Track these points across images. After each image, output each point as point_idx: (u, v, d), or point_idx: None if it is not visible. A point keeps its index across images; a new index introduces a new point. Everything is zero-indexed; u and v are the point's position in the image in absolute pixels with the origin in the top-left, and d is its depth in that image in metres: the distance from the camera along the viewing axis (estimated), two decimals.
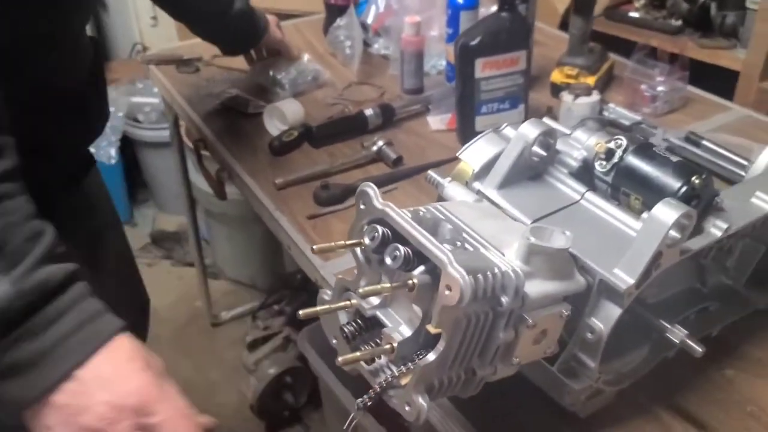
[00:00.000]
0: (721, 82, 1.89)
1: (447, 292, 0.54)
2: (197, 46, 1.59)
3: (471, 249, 0.62)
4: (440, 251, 0.56)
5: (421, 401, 0.59)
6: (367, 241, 0.61)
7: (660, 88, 1.34)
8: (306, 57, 1.52)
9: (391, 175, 1.19)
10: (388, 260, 0.59)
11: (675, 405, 0.78)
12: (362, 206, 0.63)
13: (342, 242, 0.62)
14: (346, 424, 0.62)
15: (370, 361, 0.64)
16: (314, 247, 0.61)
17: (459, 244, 0.62)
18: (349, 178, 1.18)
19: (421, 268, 0.59)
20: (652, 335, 0.78)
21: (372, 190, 0.62)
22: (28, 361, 0.57)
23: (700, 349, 0.68)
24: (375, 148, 1.23)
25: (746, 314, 0.86)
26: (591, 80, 1.36)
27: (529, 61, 1.23)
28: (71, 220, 0.84)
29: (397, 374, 0.61)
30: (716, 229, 0.71)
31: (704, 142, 1.11)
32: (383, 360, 0.64)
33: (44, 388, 0.57)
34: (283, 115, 1.31)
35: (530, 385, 0.75)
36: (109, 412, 0.58)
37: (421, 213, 0.64)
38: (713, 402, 0.78)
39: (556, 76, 1.40)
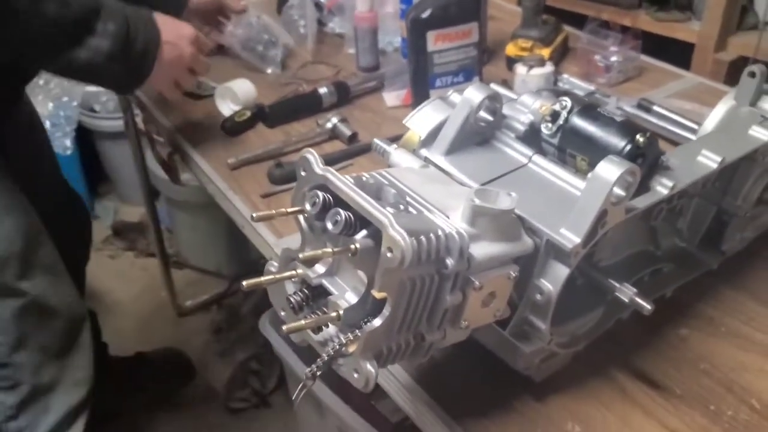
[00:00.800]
0: (677, 54, 1.91)
1: (389, 254, 0.53)
2: None
3: (414, 212, 0.61)
4: (381, 213, 0.55)
5: (369, 367, 0.58)
6: (308, 207, 0.60)
7: (614, 58, 1.34)
8: (252, 12, 1.44)
9: (347, 152, 1.17)
10: (329, 225, 0.58)
11: (630, 365, 0.78)
12: (303, 173, 0.62)
13: (283, 210, 0.61)
14: (295, 394, 0.61)
15: (318, 330, 0.63)
16: (254, 214, 0.59)
17: (402, 207, 0.61)
18: None
19: (364, 232, 0.58)
20: (606, 297, 0.78)
21: (312, 156, 0.61)
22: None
23: (648, 307, 0.68)
24: (329, 125, 1.21)
25: (699, 275, 0.87)
26: (545, 52, 1.36)
27: (481, 33, 1.23)
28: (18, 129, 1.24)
29: (344, 342, 0.60)
30: (662, 187, 0.71)
31: (655, 108, 1.13)
32: (332, 330, 0.63)
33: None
34: (235, 95, 1.28)
35: (486, 351, 0.75)
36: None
37: (364, 179, 0.63)
38: (667, 361, 0.79)
39: (511, 49, 1.40)
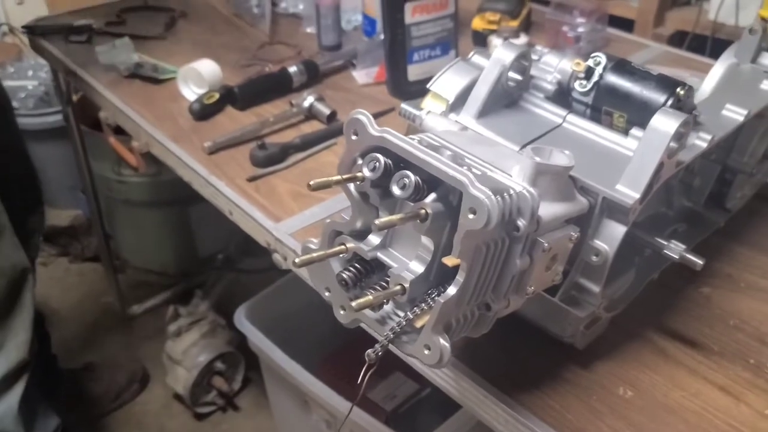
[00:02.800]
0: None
1: (471, 216, 0.49)
2: (81, 15, 1.45)
3: (479, 173, 0.57)
4: (459, 173, 0.50)
5: (443, 342, 0.54)
6: (367, 172, 0.55)
7: (581, 29, 1.34)
8: None
9: (327, 131, 1.12)
10: (396, 190, 0.53)
11: (664, 327, 0.77)
12: (354, 137, 0.56)
13: (338, 177, 0.56)
14: (360, 377, 0.56)
15: (379, 307, 0.58)
16: (311, 183, 0.53)
17: (466, 169, 0.57)
18: (283, 138, 1.10)
19: (432, 195, 0.54)
20: (635, 259, 0.76)
21: (365, 117, 0.56)
22: None
23: (700, 261, 0.67)
24: (306, 104, 1.16)
25: (710, 233, 0.87)
26: (514, 24, 1.34)
27: (456, 3, 1.20)
28: None
29: (411, 316, 0.55)
30: (701, 140, 0.69)
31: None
32: (389, 306, 0.59)
33: None
34: (200, 77, 1.20)
35: (521, 326, 0.72)
36: None
37: (416, 140, 0.58)
38: (697, 319, 0.78)
39: (478, 23, 1.38)
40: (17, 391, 1.16)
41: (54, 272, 2.18)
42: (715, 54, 0.90)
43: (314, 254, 0.57)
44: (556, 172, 0.58)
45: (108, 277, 1.94)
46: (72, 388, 1.64)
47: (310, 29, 1.45)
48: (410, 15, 1.15)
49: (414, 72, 1.20)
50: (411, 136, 0.59)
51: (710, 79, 0.90)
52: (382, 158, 0.55)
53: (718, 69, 0.90)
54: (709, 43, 1.86)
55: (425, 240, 0.56)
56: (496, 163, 0.59)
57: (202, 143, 1.06)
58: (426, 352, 0.55)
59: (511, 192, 0.53)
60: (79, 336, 1.92)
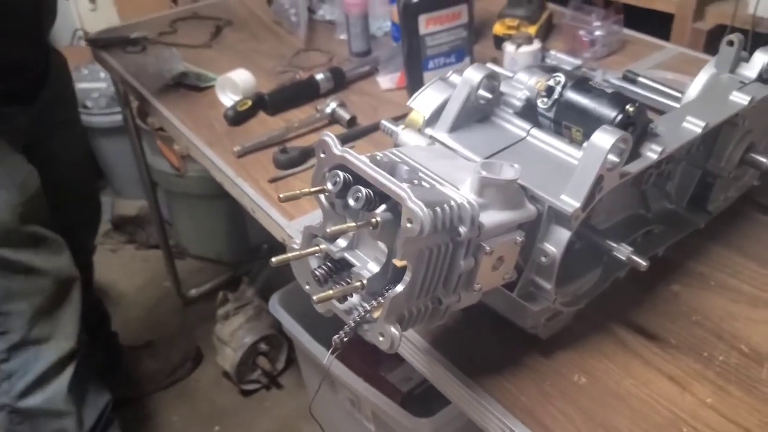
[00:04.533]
0: (657, 25, 1.96)
1: (408, 225, 0.59)
2: (141, 25, 1.59)
3: (427, 186, 0.66)
4: (399, 188, 0.60)
5: (394, 330, 0.63)
6: (329, 186, 0.65)
7: (597, 33, 1.39)
8: None
9: (347, 135, 1.22)
10: (351, 201, 0.63)
11: (628, 321, 0.84)
12: (322, 155, 0.66)
13: (306, 189, 0.66)
14: (326, 358, 0.66)
15: (343, 300, 0.68)
16: (281, 195, 0.64)
17: (416, 182, 0.66)
18: (306, 142, 1.21)
19: (383, 206, 0.63)
20: (603, 258, 0.83)
21: (330, 138, 0.66)
22: None
23: (644, 263, 0.73)
24: (329, 110, 1.26)
25: (688, 234, 0.93)
26: (532, 30, 1.41)
27: (470, 14, 1.27)
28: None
29: (369, 308, 0.65)
30: (652, 152, 0.76)
31: (640, 79, 1.18)
32: (355, 299, 0.69)
33: None
34: (235, 86, 1.33)
35: (495, 315, 0.80)
36: None
37: (378, 157, 0.68)
38: (662, 315, 0.84)
39: (498, 29, 1.45)
40: (67, 374, 1.32)
41: (121, 258, 2.37)
42: (754, 49, 0.93)
43: (289, 254, 0.68)
44: (500, 185, 0.67)
45: (167, 263, 2.11)
46: (132, 363, 1.81)
47: (343, 36, 1.55)
48: (424, 26, 1.23)
49: (430, 78, 1.27)
50: (375, 153, 0.69)
51: (693, 88, 0.95)
52: (341, 174, 0.64)
53: (700, 78, 0.95)
54: (750, 37, 1.86)
55: (380, 244, 0.66)
56: (450, 176, 0.68)
57: (233, 147, 1.18)
58: (381, 338, 0.64)
59: (452, 203, 0.62)
60: (141, 317, 2.10)
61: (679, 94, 1.12)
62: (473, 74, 0.79)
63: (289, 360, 1.87)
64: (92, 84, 2.42)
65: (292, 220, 1.02)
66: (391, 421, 1.25)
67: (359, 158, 0.64)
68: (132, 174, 2.54)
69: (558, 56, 1.34)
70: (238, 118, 1.28)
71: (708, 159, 0.93)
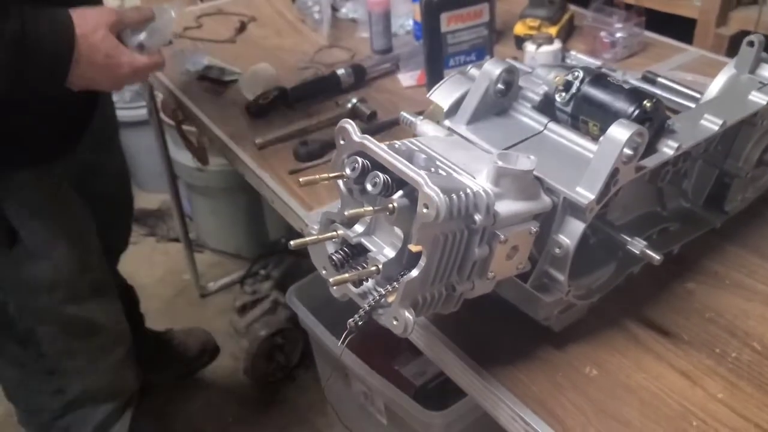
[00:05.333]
0: (679, 30, 1.96)
1: (424, 210, 0.60)
2: None
3: (444, 174, 0.67)
4: (416, 174, 0.61)
5: (407, 315, 0.64)
6: (348, 171, 0.66)
7: (618, 34, 1.40)
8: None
9: (366, 130, 1.22)
10: (369, 187, 0.64)
11: (641, 316, 0.84)
12: (342, 141, 0.68)
13: (325, 175, 0.67)
14: (340, 341, 0.68)
15: (359, 284, 0.69)
16: (301, 179, 0.66)
17: (433, 170, 0.67)
18: (326, 135, 1.23)
19: (400, 192, 0.65)
20: (618, 253, 0.84)
21: (350, 125, 0.67)
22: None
23: (657, 257, 0.74)
24: (349, 105, 1.28)
25: (704, 233, 0.93)
26: (553, 30, 1.41)
27: (492, 13, 1.28)
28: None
29: (384, 293, 0.66)
30: (668, 148, 0.77)
31: (659, 80, 1.18)
32: (370, 283, 0.70)
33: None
34: (258, 80, 1.35)
35: (509, 307, 0.81)
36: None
37: (397, 145, 0.69)
38: (676, 311, 0.85)
39: (519, 29, 1.46)
40: (125, 422, 1.33)
41: (142, 250, 2.40)
42: None
43: (308, 238, 0.69)
44: (516, 175, 0.68)
45: (187, 256, 2.14)
46: (152, 348, 1.83)
47: (365, 34, 1.56)
48: (446, 24, 1.25)
49: None
50: (393, 141, 0.70)
51: (712, 88, 0.96)
52: (360, 160, 0.66)
53: (720, 79, 0.96)
54: None
55: (396, 229, 0.67)
56: (467, 165, 0.70)
57: (255, 140, 1.20)
58: (394, 322, 0.66)
59: (468, 191, 0.63)
60: (159, 308, 2.13)
61: (698, 95, 1.12)
62: (492, 68, 0.80)
63: (304, 355, 1.88)
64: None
65: (310, 210, 1.04)
66: (404, 414, 1.26)
67: (378, 145, 0.65)
68: (154, 167, 2.57)
69: (578, 57, 1.34)
70: (260, 111, 1.30)
71: (726, 159, 0.93)
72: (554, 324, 0.81)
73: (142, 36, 1.03)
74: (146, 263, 2.33)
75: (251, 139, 1.22)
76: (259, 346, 1.77)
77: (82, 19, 0.93)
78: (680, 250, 0.91)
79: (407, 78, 1.40)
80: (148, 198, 2.57)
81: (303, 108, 1.33)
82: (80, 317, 1.19)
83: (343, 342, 0.68)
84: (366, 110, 1.26)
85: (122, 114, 2.46)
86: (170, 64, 1.48)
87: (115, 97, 2.46)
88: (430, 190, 0.59)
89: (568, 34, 1.51)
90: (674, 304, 0.86)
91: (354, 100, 1.28)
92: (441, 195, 0.59)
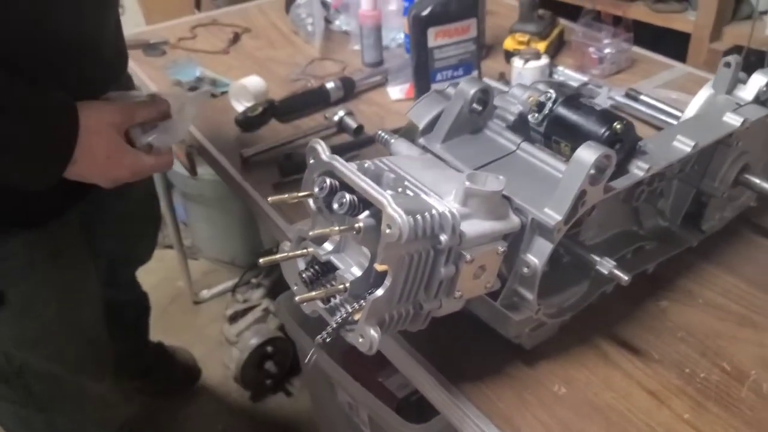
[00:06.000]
0: (673, 44, 1.97)
1: (388, 230, 0.61)
2: (162, 30, 1.64)
3: (412, 194, 0.68)
4: (380, 195, 0.62)
5: (373, 333, 0.65)
6: (317, 190, 0.68)
7: (607, 50, 1.40)
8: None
9: (352, 144, 1.25)
10: (335, 206, 0.65)
11: (613, 335, 0.85)
12: (312, 160, 0.69)
13: (295, 193, 0.68)
14: (307, 359, 0.69)
15: (327, 301, 0.70)
16: (270, 199, 0.67)
17: (400, 190, 0.68)
18: None
19: (366, 212, 0.66)
20: (591, 272, 0.85)
21: (320, 145, 0.68)
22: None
23: (625, 278, 0.75)
24: (336, 118, 1.29)
25: (681, 252, 0.94)
26: (541, 46, 1.42)
27: (479, 28, 1.30)
28: None
29: (350, 310, 0.67)
30: (639, 170, 0.77)
31: (642, 97, 1.19)
32: (339, 300, 0.71)
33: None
34: (247, 92, 1.36)
35: (482, 324, 0.82)
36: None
37: (366, 165, 0.70)
38: (647, 330, 0.86)
39: (509, 44, 1.47)
40: None
41: None
42: None
43: (277, 256, 0.70)
44: (484, 195, 0.69)
45: (181, 263, 2.15)
46: (151, 360, 1.83)
47: (357, 46, 1.58)
48: (433, 39, 1.26)
49: None
50: (364, 161, 0.71)
51: (691, 108, 0.97)
52: (328, 180, 0.67)
53: (698, 99, 0.97)
54: (767, 60, 1.86)
55: (364, 249, 0.68)
56: (437, 185, 0.71)
57: (240, 152, 1.22)
58: (360, 340, 0.66)
59: (433, 212, 0.64)
60: (153, 315, 2.13)
61: (679, 113, 1.13)
62: (467, 87, 0.81)
63: (294, 364, 1.89)
64: None
65: (292, 224, 1.05)
66: (386, 425, 1.26)
67: (345, 165, 0.66)
68: (153, 175, 2.61)
69: (566, 72, 1.35)
70: (248, 123, 1.31)
71: (702, 178, 0.94)
72: (525, 342, 0.82)
73: (152, 136, 0.94)
74: (141, 269, 2.34)
75: (238, 151, 1.23)
76: (249, 354, 1.78)
77: (88, 116, 0.85)
78: (656, 269, 0.92)
79: (396, 91, 1.41)
80: None
81: (292, 121, 1.34)
82: (70, 370, 1.17)
83: (309, 359, 0.69)
84: (353, 123, 1.28)
85: None
86: (162, 75, 1.51)
87: None
88: (393, 211, 0.60)
89: (557, 49, 1.52)
90: (646, 322, 0.87)
91: (341, 114, 1.29)
92: (404, 216, 0.60)
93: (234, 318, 1.84)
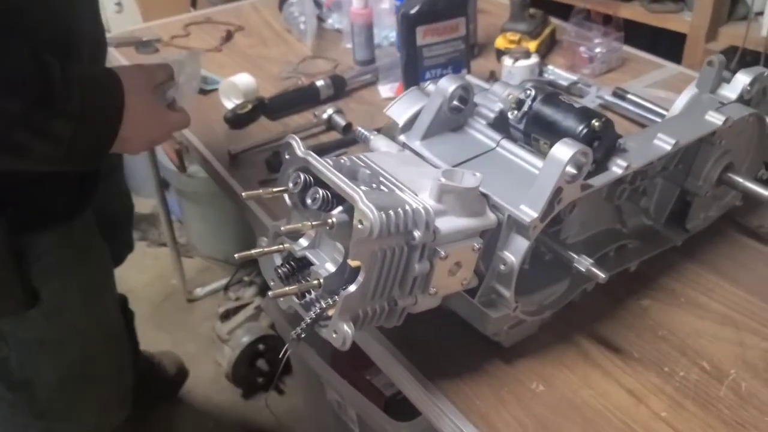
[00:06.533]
0: (668, 44, 1.96)
1: (360, 226, 0.61)
2: (156, 27, 1.64)
3: (386, 190, 0.68)
4: (352, 190, 0.62)
5: (346, 328, 0.65)
6: (291, 186, 0.68)
7: (597, 50, 1.40)
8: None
9: (341, 141, 1.24)
10: (309, 201, 0.66)
11: (593, 333, 0.85)
12: (287, 156, 0.69)
13: (269, 189, 0.68)
14: (281, 353, 0.69)
15: (303, 296, 0.70)
16: (244, 193, 0.67)
17: (374, 186, 0.68)
18: None
19: (340, 208, 0.66)
20: (571, 270, 0.85)
21: (295, 141, 0.68)
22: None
23: (602, 275, 0.74)
24: (325, 116, 1.29)
25: (664, 251, 0.93)
26: (532, 45, 1.42)
27: (469, 27, 1.29)
28: None
29: (324, 306, 0.67)
30: (617, 167, 0.77)
31: (629, 96, 1.19)
32: (314, 296, 0.71)
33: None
34: (237, 89, 1.36)
35: (462, 321, 0.82)
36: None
37: (342, 161, 0.70)
38: (628, 328, 0.85)
39: (500, 42, 1.46)
40: None
41: (133, 255, 2.39)
42: None
43: (253, 251, 0.70)
44: (459, 192, 0.69)
45: (175, 261, 2.15)
46: (143, 369, 1.82)
47: (349, 45, 1.58)
48: (422, 37, 1.26)
49: None
50: (342, 157, 0.71)
51: (676, 107, 0.97)
52: (302, 175, 0.67)
53: (683, 98, 0.97)
54: (762, 60, 1.85)
55: (338, 245, 0.68)
56: (413, 182, 0.71)
57: (228, 148, 1.22)
58: (333, 335, 0.66)
59: (406, 207, 0.64)
60: (146, 312, 2.14)
61: (665, 112, 1.13)
62: (446, 84, 0.81)
63: (287, 362, 1.89)
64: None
65: (277, 220, 1.05)
66: (373, 424, 1.26)
67: (319, 160, 0.66)
68: (147, 172, 2.61)
69: (555, 71, 1.35)
70: (237, 121, 1.31)
71: (687, 177, 0.94)
72: (504, 339, 0.82)
73: (171, 91, 0.97)
74: (136, 267, 2.35)
75: (226, 148, 1.23)
76: (241, 352, 1.78)
77: (128, 77, 0.87)
78: (639, 267, 0.92)
79: (386, 89, 1.41)
80: (140, 202, 2.58)
81: (281, 118, 1.34)
82: (84, 372, 1.17)
83: (283, 355, 0.69)
84: (342, 122, 1.28)
85: None
86: None
87: None
88: (364, 206, 0.60)
89: (548, 48, 1.51)
90: (628, 320, 0.87)
91: (330, 111, 1.29)
92: (375, 211, 0.60)
93: (226, 316, 1.84)
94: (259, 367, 1.83)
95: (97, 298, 1.13)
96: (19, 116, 0.74)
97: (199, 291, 2.19)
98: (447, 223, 0.67)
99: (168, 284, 2.25)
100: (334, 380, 1.32)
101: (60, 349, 1.09)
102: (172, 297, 2.21)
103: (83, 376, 1.17)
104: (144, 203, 2.58)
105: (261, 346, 1.82)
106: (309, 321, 0.68)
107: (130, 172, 2.66)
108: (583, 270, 0.76)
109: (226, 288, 1.97)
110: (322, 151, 1.22)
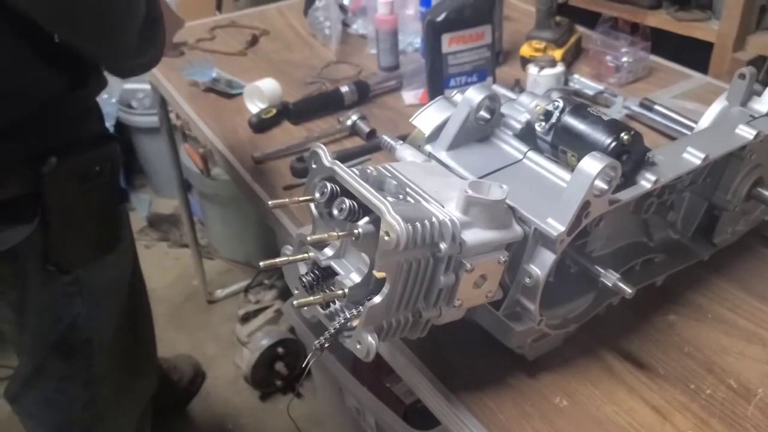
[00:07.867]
0: (696, 53, 1.94)
1: (386, 237, 0.61)
2: (182, 31, 1.64)
3: (412, 201, 0.68)
4: (379, 201, 0.62)
5: (370, 339, 0.65)
6: (317, 195, 0.67)
7: (624, 59, 1.39)
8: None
9: (364, 147, 1.24)
10: (335, 212, 0.65)
11: (619, 348, 0.84)
12: (314, 165, 0.69)
13: (296, 198, 0.68)
14: (305, 362, 0.69)
15: (327, 306, 0.70)
16: (270, 202, 0.67)
17: (401, 197, 0.68)
18: None
19: (366, 219, 0.66)
20: (597, 284, 0.84)
21: (322, 150, 0.68)
22: None
23: (629, 290, 0.74)
24: (349, 122, 1.29)
25: (691, 266, 0.92)
26: (558, 53, 1.41)
27: (494, 35, 1.29)
28: None
29: (349, 317, 0.67)
30: (646, 181, 0.76)
31: (656, 107, 1.18)
32: (338, 306, 0.71)
33: None
34: (262, 94, 1.36)
35: (485, 333, 0.81)
36: None
37: (369, 171, 0.70)
38: (654, 344, 0.84)
39: (525, 50, 1.46)
40: None
41: (155, 255, 2.44)
42: None
43: (277, 260, 0.70)
44: (485, 204, 0.68)
45: (196, 262, 2.16)
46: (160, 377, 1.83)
47: (374, 50, 1.58)
48: (447, 45, 1.25)
49: None
50: (369, 167, 0.71)
51: (705, 119, 0.95)
52: (329, 185, 0.67)
53: (713, 110, 0.95)
54: None
55: (364, 255, 0.68)
56: (439, 193, 0.70)
57: (252, 153, 1.22)
58: (357, 346, 0.66)
59: (433, 219, 0.64)
60: (167, 312, 2.16)
61: (693, 124, 1.12)
62: (474, 95, 0.80)
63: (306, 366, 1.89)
64: (137, 85, 2.50)
65: (300, 226, 1.05)
66: (392, 431, 1.26)
67: (346, 170, 0.66)
68: (170, 173, 2.63)
69: (581, 80, 1.34)
70: (262, 125, 1.31)
71: (715, 191, 0.92)
72: (527, 352, 0.81)
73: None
74: (157, 267, 2.37)
75: (250, 153, 1.23)
76: (260, 355, 1.78)
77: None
78: (665, 281, 0.90)
79: (410, 96, 1.41)
80: (163, 203, 2.61)
81: (305, 123, 1.34)
82: (131, 324, 1.23)
83: (307, 364, 0.69)
84: (365, 128, 1.27)
85: (141, 120, 2.50)
86: (179, 75, 1.52)
87: (134, 103, 2.52)
88: (391, 217, 0.60)
89: (574, 56, 1.50)
90: (653, 336, 0.86)
91: (354, 117, 1.29)
92: (402, 223, 0.60)
93: (246, 318, 1.85)
94: (278, 370, 1.84)
95: (140, 285, 1.27)
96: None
97: (220, 293, 2.20)
98: (473, 236, 0.67)
99: (189, 285, 2.27)
100: (354, 387, 1.32)
101: (118, 293, 1.16)
102: (192, 298, 2.22)
103: (131, 328, 1.23)
104: (166, 204, 2.60)
105: (280, 350, 1.83)
106: (333, 331, 0.68)
107: (151, 172, 2.70)
108: (610, 285, 0.75)
109: (246, 290, 1.97)
110: (345, 157, 1.23)
